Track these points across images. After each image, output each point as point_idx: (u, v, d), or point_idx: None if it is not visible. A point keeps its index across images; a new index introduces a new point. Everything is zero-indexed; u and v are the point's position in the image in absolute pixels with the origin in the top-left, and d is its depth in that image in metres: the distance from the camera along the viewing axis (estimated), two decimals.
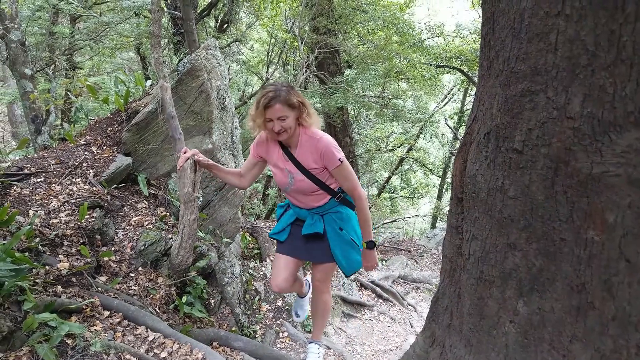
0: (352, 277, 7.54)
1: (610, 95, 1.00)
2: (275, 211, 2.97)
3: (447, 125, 15.67)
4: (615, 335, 1.07)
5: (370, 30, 11.64)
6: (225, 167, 3.03)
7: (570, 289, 1.11)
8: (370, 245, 2.74)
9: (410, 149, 17.51)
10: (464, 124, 15.17)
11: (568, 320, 1.12)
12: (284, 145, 2.65)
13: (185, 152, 2.95)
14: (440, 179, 18.55)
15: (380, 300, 7.48)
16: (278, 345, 4.59)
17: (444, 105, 18.48)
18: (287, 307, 5.25)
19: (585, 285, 1.09)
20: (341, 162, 2.52)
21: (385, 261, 9.83)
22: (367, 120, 15.55)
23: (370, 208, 14.83)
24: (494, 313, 1.28)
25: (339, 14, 10.70)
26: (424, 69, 11.70)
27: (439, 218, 17.60)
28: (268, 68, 11.74)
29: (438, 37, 12.38)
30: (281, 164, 2.65)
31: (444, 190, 17.89)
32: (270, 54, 11.91)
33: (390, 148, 17.78)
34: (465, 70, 12.02)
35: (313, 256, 2.85)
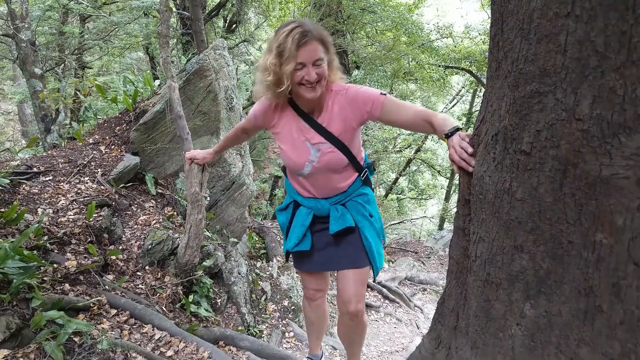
0: None
1: (620, 97, 0.99)
2: (277, 218, 2.36)
3: None
4: (624, 340, 1.06)
5: (378, 31, 11.63)
6: (225, 141, 2.45)
7: (577, 292, 1.10)
8: (453, 131, 1.62)
9: (418, 150, 17.48)
10: (472, 125, 15.11)
11: (575, 323, 1.11)
12: (299, 110, 2.01)
13: (189, 156, 2.65)
14: (447, 180, 18.50)
15: (387, 301, 7.47)
16: (284, 345, 4.59)
17: (453, 106, 18.45)
18: (293, 307, 5.25)
19: (593, 288, 1.08)
20: (385, 94, 1.89)
21: (392, 262, 9.82)
22: (374, 122, 15.52)
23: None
24: (500, 315, 1.27)
25: (348, 15, 10.70)
26: (433, 70, 11.68)
27: (446, 219, 17.55)
28: None
29: (447, 37, 12.36)
30: (298, 135, 2.01)
31: (451, 192, 17.84)
32: None
33: (398, 149, 17.75)
34: (473, 71, 11.98)
35: (346, 261, 2.12)
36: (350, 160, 2.04)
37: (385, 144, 16.84)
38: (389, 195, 18.60)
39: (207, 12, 10.45)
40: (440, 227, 17.67)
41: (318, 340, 2.65)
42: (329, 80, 1.94)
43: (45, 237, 3.03)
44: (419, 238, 16.40)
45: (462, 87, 17.69)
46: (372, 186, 2.30)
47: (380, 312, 6.96)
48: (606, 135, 1.01)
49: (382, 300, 7.44)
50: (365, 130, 15.24)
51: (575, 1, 1.01)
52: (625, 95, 0.99)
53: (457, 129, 1.65)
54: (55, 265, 2.91)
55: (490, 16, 1.37)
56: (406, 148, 17.93)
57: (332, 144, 1.98)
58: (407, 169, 18.36)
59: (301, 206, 2.21)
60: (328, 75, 1.90)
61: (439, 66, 11.74)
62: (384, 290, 7.55)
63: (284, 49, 1.78)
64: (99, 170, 4.05)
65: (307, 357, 2.69)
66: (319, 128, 1.97)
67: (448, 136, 1.64)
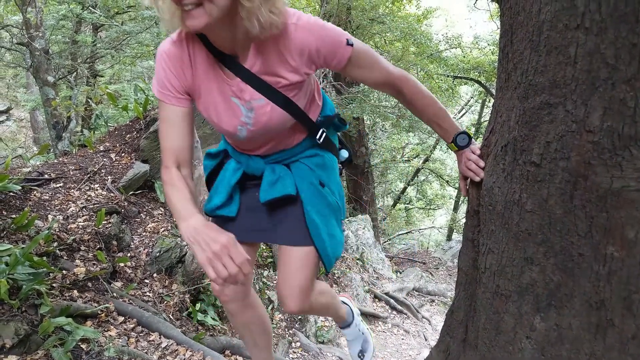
0: (366, 287, 7.47)
1: (631, 109, 0.99)
2: (203, 165, 1.78)
3: None
4: (636, 355, 1.05)
5: (387, 41, 11.66)
6: (181, 198, 1.36)
7: (588, 306, 1.09)
8: (464, 139, 1.50)
9: (426, 160, 17.44)
10: (481, 136, 15.07)
11: (586, 337, 1.10)
12: (215, 49, 1.33)
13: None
14: (456, 190, 18.41)
15: (394, 312, 7.41)
16: (290, 355, 4.57)
17: (461, 116, 18.41)
18: (299, 317, 5.22)
19: (604, 302, 1.07)
20: (352, 45, 1.35)
21: (400, 273, 9.76)
22: (383, 131, 15.53)
23: (384, 219, 14.59)
24: (510, 328, 1.26)
25: (357, 25, 10.75)
26: (441, 80, 11.68)
27: (454, 230, 17.44)
28: None
29: (456, 48, 12.36)
30: (221, 88, 1.38)
31: (460, 202, 17.74)
32: None
33: (406, 159, 17.74)
34: (482, 82, 11.96)
35: (286, 233, 1.59)
36: (299, 119, 1.48)
37: (394, 153, 16.83)
38: (397, 204, 18.54)
39: None
40: (449, 238, 17.56)
41: (262, 351, 1.84)
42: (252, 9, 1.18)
43: (55, 244, 3.05)
44: (427, 248, 16.31)
45: (471, 98, 17.68)
46: (339, 152, 1.73)
47: (387, 323, 6.90)
48: (617, 147, 1.01)
49: (389, 311, 7.38)
50: (374, 139, 15.24)
51: (585, 13, 1.01)
52: (636, 107, 0.98)
53: (465, 135, 1.50)
54: (64, 271, 2.92)
55: (499, 27, 1.37)
56: (414, 157, 17.91)
57: (269, 99, 1.37)
58: (415, 178, 18.30)
59: (230, 159, 1.65)
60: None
61: (448, 76, 11.74)
62: (392, 301, 7.50)
63: None
64: (109, 177, 4.08)
65: None
66: (247, 75, 1.34)
67: (457, 144, 1.50)
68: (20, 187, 3.43)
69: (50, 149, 6.65)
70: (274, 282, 5.53)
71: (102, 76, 12.42)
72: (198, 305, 3.55)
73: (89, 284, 2.99)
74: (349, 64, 1.38)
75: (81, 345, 2.48)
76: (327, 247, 1.56)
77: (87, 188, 3.85)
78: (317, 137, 1.58)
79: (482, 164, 1.41)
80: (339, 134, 1.78)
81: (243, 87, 1.36)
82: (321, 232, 1.54)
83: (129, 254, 3.53)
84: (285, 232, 1.59)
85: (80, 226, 3.35)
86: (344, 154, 1.76)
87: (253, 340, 1.80)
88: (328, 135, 1.63)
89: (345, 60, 1.36)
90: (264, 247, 6.37)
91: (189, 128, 1.42)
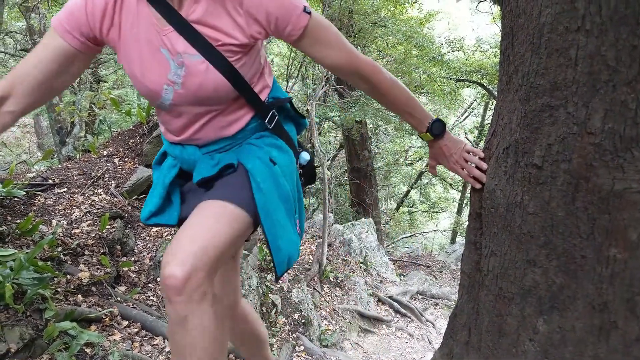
0: (370, 291, 7.45)
1: (633, 110, 0.99)
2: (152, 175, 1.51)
3: (467, 139, 15.57)
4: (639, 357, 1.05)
5: (389, 45, 11.69)
6: None
7: (592, 308, 1.09)
8: (439, 127, 1.41)
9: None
10: (484, 138, 15.03)
11: (590, 340, 1.10)
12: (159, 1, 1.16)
13: None
14: (459, 193, 18.38)
15: (398, 315, 7.39)
16: None
17: (464, 119, 18.41)
18: (303, 321, 5.22)
19: (607, 304, 1.07)
20: (310, 13, 1.20)
21: (404, 276, 9.74)
22: (385, 134, 15.53)
23: (388, 222, 14.53)
24: (513, 331, 1.25)
25: (359, 29, 10.78)
26: (444, 83, 11.69)
27: (458, 233, 17.39)
28: (288, 82, 11.86)
29: (458, 51, 12.38)
30: (150, 37, 1.18)
31: (463, 205, 17.70)
32: (290, 67, 12.03)
33: (409, 162, 17.71)
34: (485, 84, 11.97)
35: (208, 194, 1.26)
36: (240, 90, 1.24)
37: (397, 156, 16.82)
38: (401, 208, 18.52)
39: None
40: (453, 241, 17.50)
41: (259, 357, 1.78)
42: None
43: (59, 248, 3.06)
44: (431, 252, 16.28)
45: (474, 100, 17.67)
46: (300, 154, 1.46)
47: (391, 327, 6.89)
48: (619, 149, 1.01)
49: (393, 314, 7.37)
50: (377, 142, 15.23)
51: (585, 16, 1.01)
52: (637, 109, 0.99)
53: (439, 122, 1.40)
54: (68, 276, 2.93)
55: (500, 30, 1.38)
56: (417, 161, 17.89)
57: (204, 57, 1.17)
58: (419, 181, 18.28)
59: (168, 156, 1.43)
60: None
61: (450, 79, 11.75)
62: (395, 304, 7.48)
63: None
64: (113, 182, 4.10)
65: None
66: (181, 23, 1.15)
67: (432, 132, 1.40)
68: (25, 193, 3.44)
69: (54, 155, 6.68)
70: (277, 285, 5.54)
71: (105, 81, 12.46)
72: None
73: (93, 289, 3.00)
74: (305, 37, 1.21)
75: (85, 350, 2.48)
76: (277, 234, 1.23)
77: (91, 193, 3.87)
78: (267, 119, 1.33)
79: (484, 166, 1.41)
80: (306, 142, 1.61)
81: (175, 37, 1.17)
82: (270, 210, 1.22)
83: (132, 259, 3.54)
84: (213, 191, 1.26)
85: (84, 231, 3.36)
86: (305, 156, 1.48)
87: (247, 349, 1.75)
88: (282, 124, 1.39)
89: (299, 28, 1.19)
90: (267, 252, 6.37)
91: (58, 70, 1.20)
